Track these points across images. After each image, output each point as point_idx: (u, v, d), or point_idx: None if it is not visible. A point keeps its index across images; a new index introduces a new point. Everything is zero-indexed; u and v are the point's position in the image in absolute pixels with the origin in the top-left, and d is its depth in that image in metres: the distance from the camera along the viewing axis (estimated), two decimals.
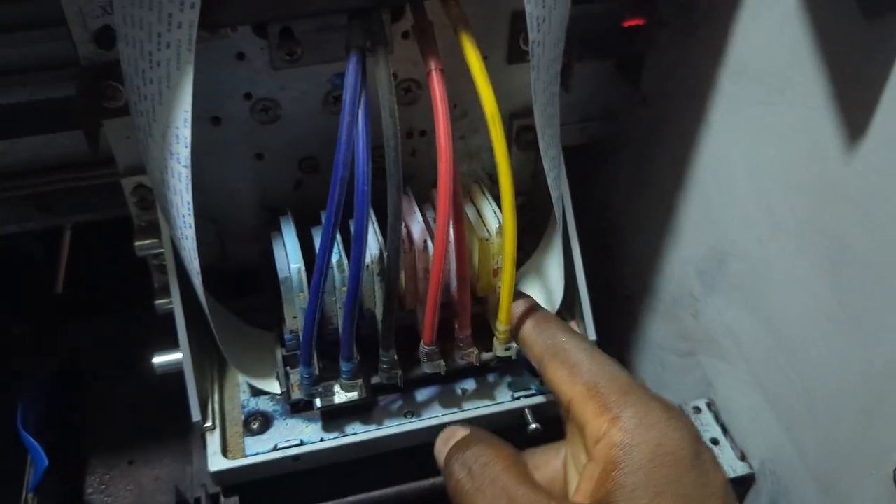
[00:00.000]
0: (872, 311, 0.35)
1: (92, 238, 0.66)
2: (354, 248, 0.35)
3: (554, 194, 0.40)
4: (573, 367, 0.33)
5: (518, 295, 0.40)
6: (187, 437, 0.49)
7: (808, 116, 0.36)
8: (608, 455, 0.29)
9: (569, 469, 0.34)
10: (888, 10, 0.31)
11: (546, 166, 0.38)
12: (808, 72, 0.36)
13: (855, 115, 0.33)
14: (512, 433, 0.38)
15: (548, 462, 0.36)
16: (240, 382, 0.46)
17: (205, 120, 0.42)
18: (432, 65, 0.34)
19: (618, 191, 0.58)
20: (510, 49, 0.44)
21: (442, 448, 0.35)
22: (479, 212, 0.43)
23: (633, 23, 0.48)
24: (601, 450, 0.30)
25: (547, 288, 0.47)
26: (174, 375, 0.43)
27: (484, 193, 0.44)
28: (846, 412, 0.36)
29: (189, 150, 0.33)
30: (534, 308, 0.39)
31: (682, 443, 0.29)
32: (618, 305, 0.59)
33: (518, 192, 0.52)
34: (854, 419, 0.36)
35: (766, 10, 0.38)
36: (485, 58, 0.35)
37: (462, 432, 0.35)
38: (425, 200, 0.44)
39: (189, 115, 0.32)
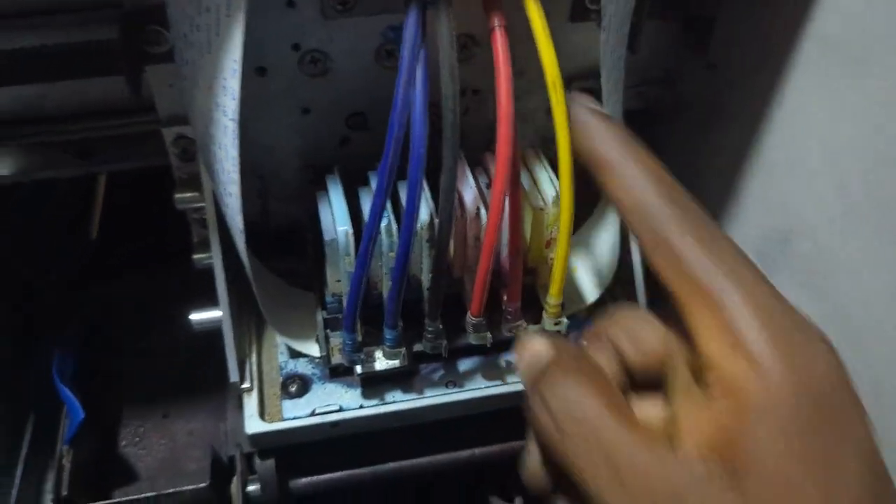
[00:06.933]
0: None
1: (127, 187, 0.65)
2: (406, 213, 0.33)
3: None
4: (679, 260, 0.25)
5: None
6: (221, 392, 0.49)
7: None
8: (735, 396, 0.23)
9: (672, 384, 0.26)
10: None
11: None
12: None
13: None
14: None
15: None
16: (278, 343, 0.45)
17: (250, 70, 0.40)
18: (496, 21, 0.32)
19: (672, 163, 0.55)
20: (574, 6, 0.41)
21: (524, 371, 0.28)
22: (533, 179, 0.41)
23: None
24: (723, 384, 0.23)
25: (597, 262, 0.45)
26: (207, 331, 0.42)
27: (540, 160, 0.41)
28: None
29: (237, 102, 0.31)
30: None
31: (825, 382, 0.22)
32: None
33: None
34: None
35: None
36: (545, 15, 0.32)
37: (543, 353, 0.27)
38: (476, 164, 0.42)
39: (238, 67, 0.30)
